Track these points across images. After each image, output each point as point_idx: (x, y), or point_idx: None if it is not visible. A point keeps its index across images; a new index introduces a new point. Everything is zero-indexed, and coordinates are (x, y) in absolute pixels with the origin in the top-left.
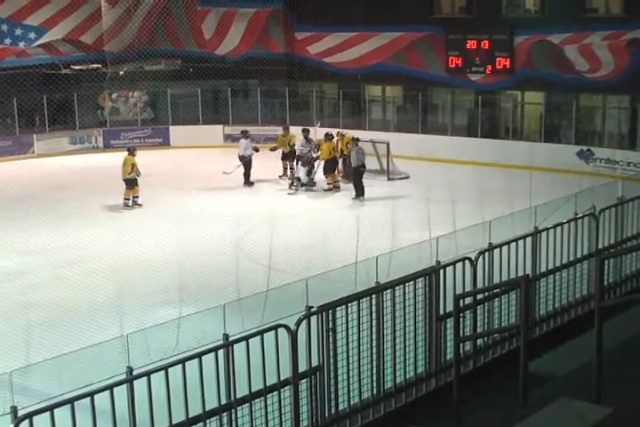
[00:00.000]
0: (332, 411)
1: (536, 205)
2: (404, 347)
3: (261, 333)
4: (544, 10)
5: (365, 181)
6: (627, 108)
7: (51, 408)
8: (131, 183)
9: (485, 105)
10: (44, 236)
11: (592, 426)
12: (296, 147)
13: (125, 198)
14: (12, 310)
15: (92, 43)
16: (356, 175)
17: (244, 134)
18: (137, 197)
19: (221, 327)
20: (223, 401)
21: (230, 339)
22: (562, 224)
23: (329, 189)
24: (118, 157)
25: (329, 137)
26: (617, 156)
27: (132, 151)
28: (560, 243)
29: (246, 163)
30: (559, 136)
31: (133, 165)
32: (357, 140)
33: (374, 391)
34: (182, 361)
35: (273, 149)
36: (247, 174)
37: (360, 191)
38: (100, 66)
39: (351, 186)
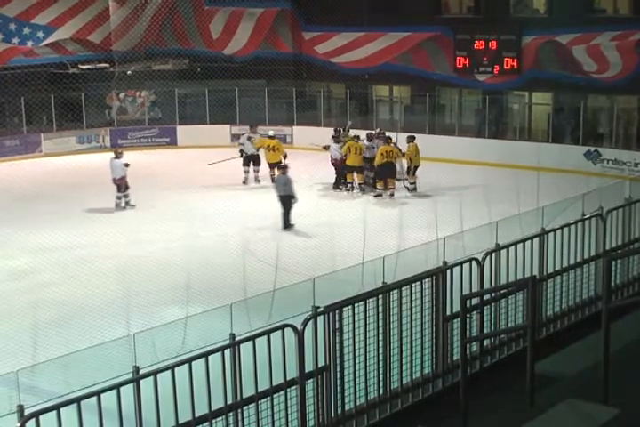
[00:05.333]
0: (339, 411)
1: (543, 205)
2: (411, 347)
3: (268, 332)
4: (552, 10)
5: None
6: (635, 109)
7: (57, 407)
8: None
9: (493, 105)
10: (51, 235)
11: None
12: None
13: (360, 183)
14: (20, 309)
15: (100, 42)
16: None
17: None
18: (350, 183)
19: (228, 327)
20: (229, 401)
21: (237, 339)
22: (569, 225)
23: (378, 195)
24: (127, 156)
25: (387, 139)
26: (624, 156)
27: (352, 137)
28: (567, 244)
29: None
30: (567, 137)
31: (356, 149)
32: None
33: (381, 392)
34: (189, 361)
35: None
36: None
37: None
38: (107, 65)
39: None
